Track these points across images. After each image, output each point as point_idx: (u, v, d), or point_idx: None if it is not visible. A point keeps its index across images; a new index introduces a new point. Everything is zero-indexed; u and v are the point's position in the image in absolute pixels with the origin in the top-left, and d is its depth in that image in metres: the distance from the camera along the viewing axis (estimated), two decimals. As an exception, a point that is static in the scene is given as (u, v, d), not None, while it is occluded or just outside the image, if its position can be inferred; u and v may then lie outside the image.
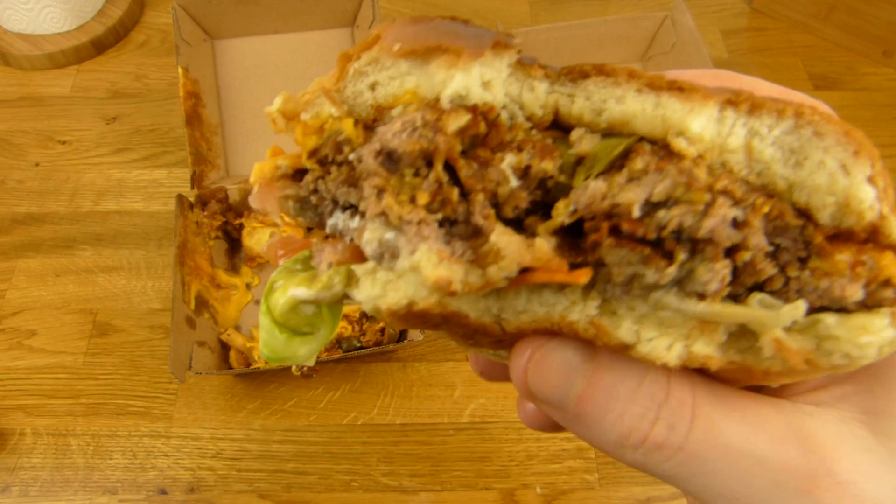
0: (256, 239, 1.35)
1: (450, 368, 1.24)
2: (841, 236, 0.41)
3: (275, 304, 0.48)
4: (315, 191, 0.47)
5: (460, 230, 0.43)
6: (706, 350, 0.40)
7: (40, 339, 1.29)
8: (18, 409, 1.22)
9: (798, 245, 0.41)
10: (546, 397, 0.43)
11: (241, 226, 1.36)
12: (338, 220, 0.47)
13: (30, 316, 1.32)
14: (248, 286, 1.35)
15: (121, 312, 1.32)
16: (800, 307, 0.38)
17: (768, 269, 0.40)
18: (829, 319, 0.39)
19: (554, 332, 0.43)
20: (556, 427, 0.53)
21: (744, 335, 0.41)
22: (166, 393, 1.23)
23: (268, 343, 0.49)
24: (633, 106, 0.45)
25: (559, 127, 0.48)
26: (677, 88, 0.44)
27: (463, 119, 0.44)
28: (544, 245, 0.41)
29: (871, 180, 0.40)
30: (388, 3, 1.83)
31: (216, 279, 1.31)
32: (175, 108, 1.53)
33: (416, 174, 0.43)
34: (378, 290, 0.45)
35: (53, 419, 1.21)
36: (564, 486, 1.13)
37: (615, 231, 0.41)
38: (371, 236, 0.44)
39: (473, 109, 0.45)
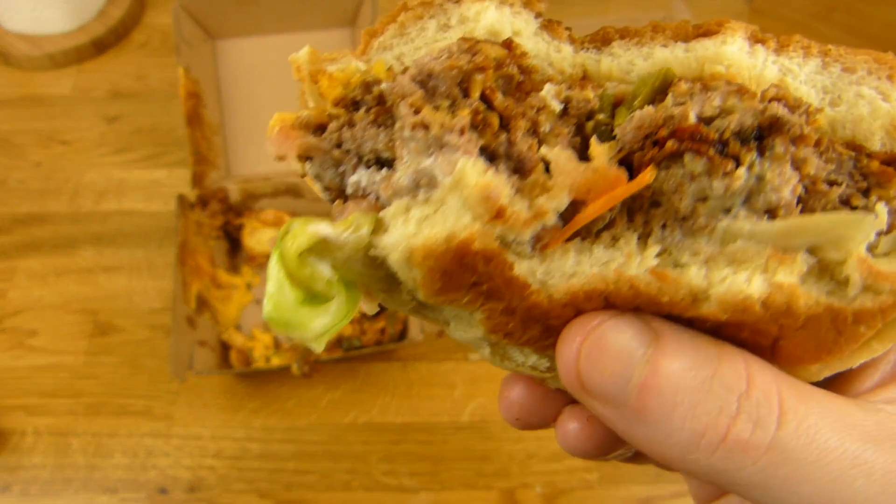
0: (257, 239, 1.35)
1: (450, 368, 1.24)
2: None
3: (289, 248, 0.40)
4: (338, 144, 0.42)
5: (501, 164, 0.39)
6: (790, 279, 0.35)
7: (41, 339, 1.30)
8: (19, 409, 1.22)
9: (855, 177, 0.38)
10: (602, 389, 0.36)
11: (242, 226, 1.37)
12: (361, 176, 0.42)
13: (31, 316, 1.32)
14: (248, 286, 1.35)
15: (121, 312, 1.32)
16: (881, 213, 0.35)
17: (832, 193, 0.36)
18: None
19: (609, 305, 0.38)
20: (602, 450, 0.46)
21: (823, 276, 0.37)
22: (167, 392, 1.23)
23: (274, 299, 0.41)
24: (662, 56, 0.43)
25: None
26: (705, 32, 0.43)
27: (498, 50, 0.41)
28: (602, 153, 0.37)
29: None
30: (388, 3, 1.83)
31: (217, 279, 1.32)
32: (176, 108, 1.53)
33: (453, 106, 0.39)
34: (412, 228, 0.38)
35: (54, 419, 1.21)
36: (564, 486, 1.13)
37: (674, 138, 0.37)
38: (404, 170, 0.39)
39: (508, 44, 0.42)
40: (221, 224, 1.36)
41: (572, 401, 0.45)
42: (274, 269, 0.41)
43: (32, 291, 1.35)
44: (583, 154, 0.39)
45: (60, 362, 1.27)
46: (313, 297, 0.42)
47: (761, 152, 0.36)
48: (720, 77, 0.40)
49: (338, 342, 1.24)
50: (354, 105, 0.43)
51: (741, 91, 0.37)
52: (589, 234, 0.39)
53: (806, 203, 0.36)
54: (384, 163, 0.41)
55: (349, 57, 0.44)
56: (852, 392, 0.39)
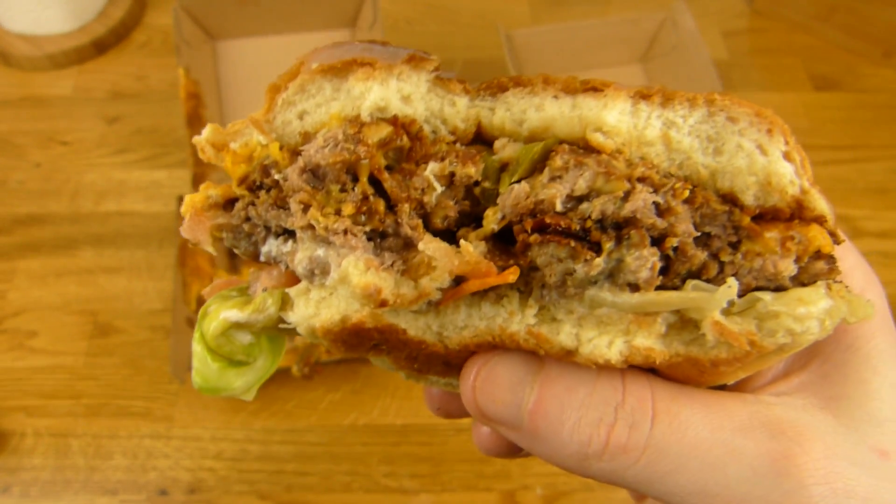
0: (257, 240, 1.35)
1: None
2: (767, 216, 0.42)
3: (207, 330, 0.47)
4: (247, 218, 0.47)
5: (390, 243, 0.44)
6: (647, 342, 0.40)
7: (41, 340, 1.29)
8: (19, 410, 1.22)
9: (727, 230, 0.41)
10: (498, 416, 0.41)
11: (242, 227, 1.37)
12: (271, 246, 0.47)
13: (31, 317, 1.32)
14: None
15: (122, 313, 1.32)
16: (732, 285, 0.39)
17: (699, 255, 0.40)
18: (766, 297, 0.40)
19: (497, 346, 0.44)
20: (513, 451, 0.51)
21: (685, 327, 0.41)
22: (167, 394, 1.23)
23: (200, 371, 0.47)
24: (551, 111, 0.46)
25: (482, 140, 0.49)
26: (591, 89, 0.45)
27: (384, 130, 0.45)
28: (470, 248, 0.42)
29: (787, 156, 0.42)
30: (388, 3, 1.83)
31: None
32: (176, 108, 1.53)
33: (343, 189, 0.44)
34: (311, 310, 0.44)
35: (54, 420, 1.21)
36: (564, 488, 1.13)
37: (541, 228, 0.42)
38: (302, 255, 0.45)
39: (394, 121, 0.46)
40: (221, 225, 1.36)
41: None
42: (197, 346, 0.48)
43: (32, 292, 1.35)
44: (473, 217, 0.45)
45: (60, 363, 1.27)
46: (235, 363, 0.48)
47: (619, 240, 0.41)
48: (598, 146, 0.44)
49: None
50: (257, 185, 0.48)
51: (609, 173, 0.41)
52: (477, 292, 0.44)
53: (673, 265, 0.41)
54: (290, 233, 0.47)
55: (250, 128, 0.48)
56: (749, 388, 0.44)
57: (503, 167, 0.45)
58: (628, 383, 0.40)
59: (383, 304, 0.42)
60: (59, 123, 1.60)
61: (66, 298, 1.34)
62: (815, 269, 0.41)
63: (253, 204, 0.47)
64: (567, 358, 0.42)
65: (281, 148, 0.47)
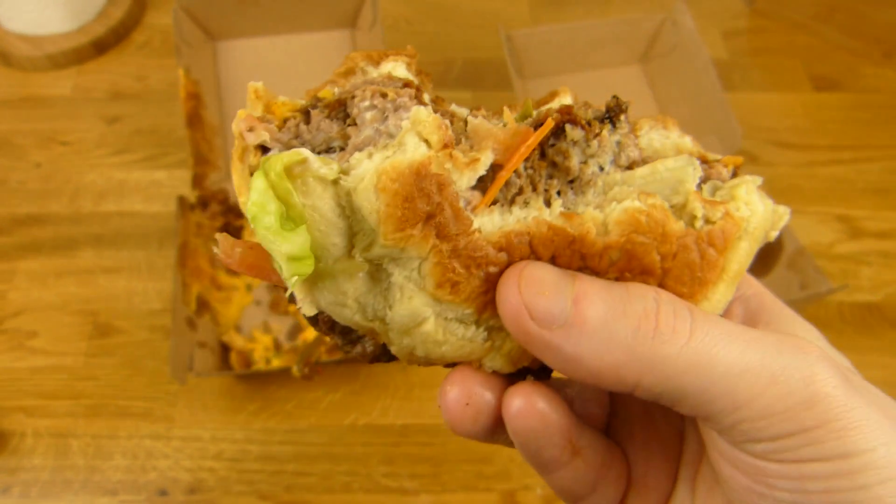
0: (257, 240, 1.35)
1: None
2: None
3: (274, 162, 0.44)
4: (296, 136, 0.47)
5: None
6: (657, 201, 0.45)
7: (41, 340, 1.29)
8: (19, 411, 1.22)
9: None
10: (547, 310, 0.41)
11: (242, 227, 1.37)
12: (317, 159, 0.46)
13: (30, 317, 1.32)
14: (248, 288, 1.35)
15: (121, 313, 1.32)
16: (696, 164, 0.46)
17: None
18: (720, 181, 0.49)
19: (533, 250, 0.45)
20: (490, 429, 0.49)
21: (676, 211, 0.47)
22: (167, 394, 1.23)
23: (258, 203, 0.44)
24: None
25: None
26: (541, 103, 0.54)
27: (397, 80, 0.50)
28: (511, 116, 0.48)
29: (682, 135, 0.53)
30: (388, 3, 1.83)
31: (217, 280, 1.32)
32: (176, 109, 1.53)
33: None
34: (377, 161, 0.44)
35: (54, 420, 1.21)
36: (565, 488, 1.13)
37: (558, 114, 0.47)
38: (363, 131, 0.46)
39: (408, 84, 0.50)
40: (222, 225, 1.36)
41: (510, 384, 0.48)
42: (258, 181, 0.44)
43: (32, 293, 1.35)
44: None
45: (60, 364, 1.27)
46: (287, 217, 0.45)
47: (613, 126, 0.48)
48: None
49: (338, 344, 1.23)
50: (307, 112, 0.49)
51: (587, 105, 0.51)
52: (506, 201, 0.47)
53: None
54: (338, 149, 0.48)
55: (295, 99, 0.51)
56: None
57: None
58: (659, 290, 0.42)
59: (448, 144, 0.44)
60: (58, 124, 1.59)
61: (65, 298, 1.34)
62: (739, 177, 0.49)
63: (305, 122, 0.48)
64: (600, 242, 0.45)
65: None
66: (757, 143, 1.61)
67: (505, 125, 0.47)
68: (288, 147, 0.47)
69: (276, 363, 1.24)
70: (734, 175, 0.50)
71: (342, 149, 0.47)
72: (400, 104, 0.46)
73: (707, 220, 0.45)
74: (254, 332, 1.29)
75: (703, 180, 0.48)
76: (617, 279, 0.45)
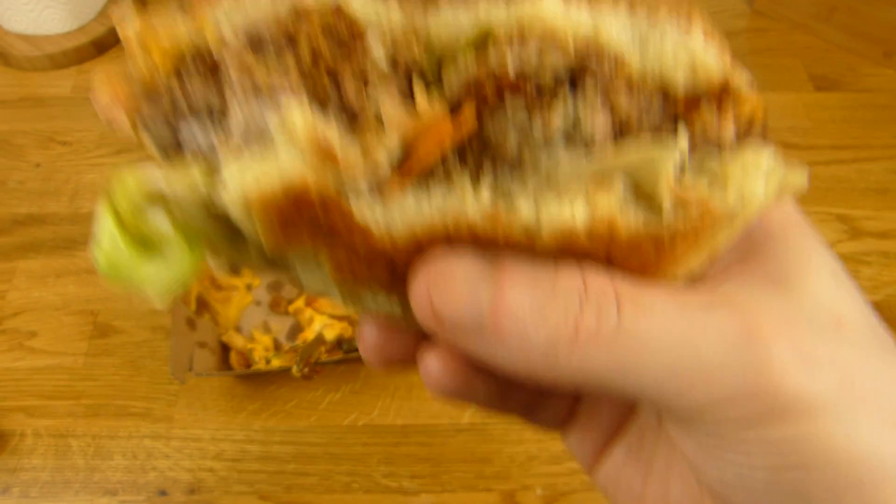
0: (257, 240, 1.35)
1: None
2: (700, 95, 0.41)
3: (120, 194, 0.39)
4: (171, 100, 0.40)
5: (333, 110, 0.38)
6: (609, 204, 0.37)
7: (41, 340, 1.29)
8: (19, 411, 1.22)
9: (667, 112, 0.40)
10: (457, 316, 0.37)
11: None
12: (195, 129, 0.40)
13: (30, 317, 1.32)
14: (248, 287, 1.35)
15: (121, 313, 1.32)
16: (682, 135, 0.38)
17: (643, 127, 0.38)
18: (713, 160, 0.39)
19: (451, 241, 0.39)
20: (467, 387, 0.47)
21: (641, 197, 0.39)
22: (167, 394, 1.23)
23: (106, 251, 0.38)
24: (486, 17, 0.41)
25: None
26: None
27: (326, 13, 0.40)
28: (425, 101, 0.38)
29: (707, 36, 0.41)
30: (388, 3, 1.82)
31: (216, 280, 1.32)
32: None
33: (281, 59, 0.39)
34: (247, 175, 0.37)
35: (54, 420, 1.21)
36: (565, 488, 1.13)
37: (495, 88, 0.38)
38: (236, 116, 0.39)
39: (336, 10, 0.40)
40: (221, 225, 1.36)
41: (427, 337, 0.45)
42: (104, 220, 0.38)
43: (32, 293, 1.35)
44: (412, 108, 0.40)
45: (60, 364, 1.27)
46: (148, 248, 0.39)
47: (574, 94, 0.38)
48: (538, 28, 0.40)
49: (338, 344, 1.24)
50: (185, 68, 0.41)
51: (555, 41, 0.39)
52: (425, 178, 0.39)
53: (620, 136, 0.39)
54: (218, 118, 0.40)
55: (179, 23, 0.42)
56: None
57: (442, 61, 0.42)
58: (588, 274, 0.37)
59: (330, 155, 0.36)
60: (58, 123, 1.59)
61: (65, 298, 1.34)
62: (752, 136, 0.40)
63: (180, 82, 0.41)
64: (528, 243, 0.38)
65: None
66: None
67: (416, 109, 0.38)
68: (162, 112, 0.40)
69: (276, 363, 1.24)
70: (742, 133, 0.41)
71: (222, 119, 0.40)
72: (272, 88, 0.38)
73: (679, 213, 0.38)
74: (253, 332, 1.29)
75: (692, 147, 0.40)
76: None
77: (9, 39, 1.67)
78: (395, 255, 0.40)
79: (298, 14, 0.40)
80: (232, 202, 0.37)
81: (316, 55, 0.39)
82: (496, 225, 0.37)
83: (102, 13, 1.72)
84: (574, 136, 0.38)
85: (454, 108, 0.39)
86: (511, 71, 0.39)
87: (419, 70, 0.41)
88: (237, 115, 0.39)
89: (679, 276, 0.40)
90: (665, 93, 0.41)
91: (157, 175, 0.38)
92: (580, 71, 0.39)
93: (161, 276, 0.39)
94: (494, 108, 0.39)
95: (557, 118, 0.38)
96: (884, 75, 1.71)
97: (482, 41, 0.41)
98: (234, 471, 1.16)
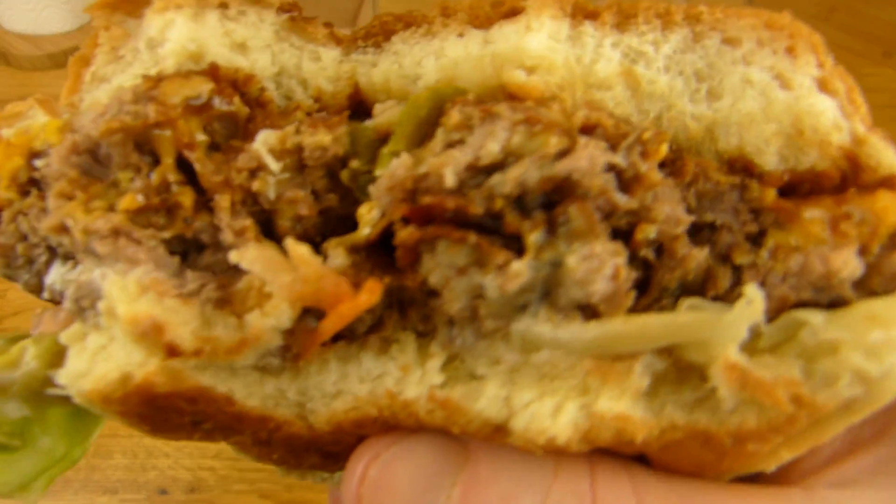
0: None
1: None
2: (804, 186, 0.28)
3: None
4: (23, 236, 0.33)
5: (207, 259, 0.29)
6: (619, 405, 0.24)
7: (41, 340, 1.29)
8: (19, 409, 1.22)
9: (741, 215, 0.26)
10: None
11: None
12: (56, 274, 0.33)
13: (30, 316, 1.32)
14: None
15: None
16: (756, 299, 0.24)
17: (695, 255, 0.25)
18: (815, 318, 0.24)
19: (392, 426, 0.28)
20: None
21: (684, 379, 0.26)
22: (167, 393, 1.23)
23: None
24: (454, 53, 0.30)
25: (363, 107, 0.33)
26: (506, 13, 0.30)
27: (198, 87, 0.29)
28: (303, 252, 0.27)
29: (822, 85, 0.28)
30: (388, 3, 1.82)
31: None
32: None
33: (136, 178, 0.29)
34: (85, 364, 0.29)
35: (54, 419, 1.20)
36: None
37: (424, 217, 0.26)
38: (65, 276, 0.31)
39: (213, 71, 0.31)
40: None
41: None
42: None
43: (32, 292, 1.35)
44: (348, 220, 0.30)
45: (60, 363, 1.27)
46: (4, 447, 0.33)
47: (552, 225, 0.25)
48: (519, 90, 0.28)
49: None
50: (29, 184, 0.34)
51: (531, 121, 0.25)
52: (355, 336, 0.29)
53: (656, 273, 0.25)
54: (44, 268, 0.34)
55: (35, 109, 0.33)
56: (797, 473, 0.30)
57: (383, 140, 0.30)
58: (600, 485, 0.25)
59: (172, 350, 0.27)
60: (59, 123, 1.59)
61: (66, 298, 1.34)
62: (893, 266, 0.25)
63: (23, 213, 0.32)
64: (498, 438, 0.26)
65: (62, 128, 0.34)
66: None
67: (289, 255, 0.27)
68: (13, 256, 0.33)
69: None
70: (876, 264, 0.25)
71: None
72: (102, 249, 0.28)
73: (748, 403, 0.24)
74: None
75: (782, 276, 0.25)
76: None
77: (9, 39, 1.67)
78: (321, 442, 0.31)
79: (149, 97, 0.29)
80: (74, 395, 0.30)
81: (187, 163, 0.29)
82: (450, 415, 0.27)
83: (103, 13, 1.72)
84: (558, 293, 0.25)
85: (383, 266, 0.29)
86: (451, 183, 0.26)
87: (346, 163, 0.30)
88: (78, 270, 0.31)
89: (763, 466, 0.27)
90: (746, 175, 0.27)
91: None
92: (565, 194, 0.25)
93: (21, 469, 0.33)
94: (428, 240, 0.27)
95: (520, 276, 0.25)
96: (883, 75, 1.71)
97: (432, 115, 0.29)
98: (235, 469, 1.16)
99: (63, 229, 0.29)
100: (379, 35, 0.34)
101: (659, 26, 0.28)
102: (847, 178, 0.27)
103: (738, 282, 0.26)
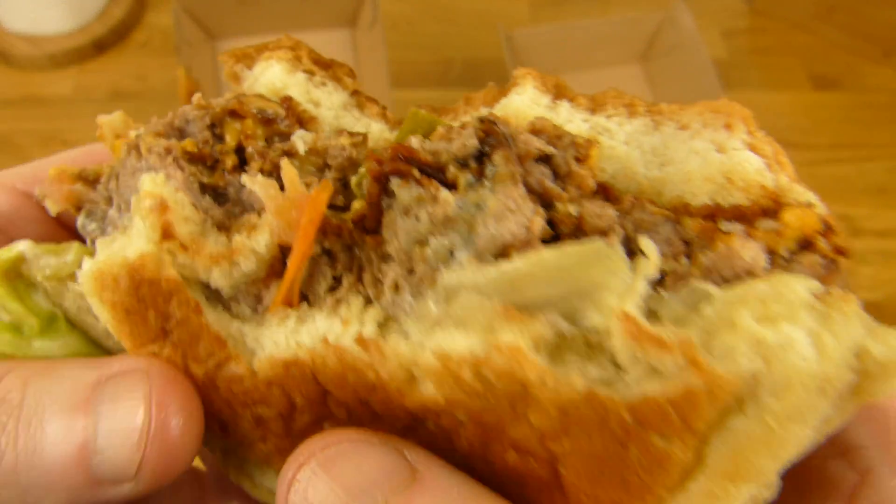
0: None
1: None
2: (726, 215, 0.31)
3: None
4: (108, 197, 0.40)
5: (227, 208, 0.35)
6: (517, 342, 0.25)
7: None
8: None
9: (674, 245, 0.29)
10: None
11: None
12: (115, 219, 0.38)
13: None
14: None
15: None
16: (650, 251, 0.26)
17: (608, 222, 0.28)
18: (714, 290, 0.25)
19: (323, 391, 0.31)
20: None
21: (594, 357, 0.26)
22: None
23: None
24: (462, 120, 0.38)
25: None
26: (505, 92, 0.38)
27: (269, 104, 0.38)
28: (293, 173, 0.32)
29: (752, 148, 0.32)
30: (388, 3, 1.83)
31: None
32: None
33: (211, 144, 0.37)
34: (106, 249, 0.34)
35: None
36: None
37: (379, 160, 0.31)
38: (120, 194, 0.37)
39: (286, 100, 0.39)
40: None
41: None
42: None
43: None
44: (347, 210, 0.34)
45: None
46: (18, 329, 0.37)
47: (481, 172, 0.28)
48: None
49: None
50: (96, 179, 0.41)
51: (488, 122, 0.30)
52: (316, 297, 0.33)
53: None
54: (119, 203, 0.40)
55: (156, 121, 0.41)
56: None
57: None
58: None
59: (168, 231, 0.32)
60: (59, 123, 1.60)
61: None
62: (806, 266, 0.27)
63: (115, 177, 0.39)
64: (411, 393, 0.28)
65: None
66: (757, 142, 1.61)
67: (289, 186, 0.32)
68: (94, 209, 0.39)
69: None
70: (803, 251, 0.27)
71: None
72: (151, 163, 0.35)
73: (647, 369, 0.24)
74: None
75: (703, 276, 0.27)
76: (491, 474, 0.28)
77: (10, 39, 1.67)
78: (256, 396, 0.33)
79: (236, 99, 0.38)
80: (85, 285, 0.34)
81: (242, 147, 0.36)
82: (372, 358, 0.29)
83: (102, 13, 1.72)
84: (478, 235, 0.27)
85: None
86: (415, 145, 0.31)
87: (356, 169, 0.35)
88: (113, 202, 0.38)
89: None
90: (677, 212, 0.31)
91: (27, 246, 0.37)
92: (490, 144, 0.29)
93: (45, 343, 0.37)
94: (391, 198, 0.31)
95: (447, 203, 0.28)
96: (883, 75, 1.71)
97: (426, 131, 0.35)
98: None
99: (135, 148, 0.36)
100: None
101: (625, 113, 0.35)
102: (768, 210, 0.30)
103: (661, 280, 0.28)
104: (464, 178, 0.29)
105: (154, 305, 0.33)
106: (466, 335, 0.26)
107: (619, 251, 0.26)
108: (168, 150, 0.35)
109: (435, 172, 0.30)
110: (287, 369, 0.31)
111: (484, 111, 0.37)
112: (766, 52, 1.76)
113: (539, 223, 0.27)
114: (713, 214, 0.31)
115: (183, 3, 1.44)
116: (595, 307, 0.26)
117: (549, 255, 0.25)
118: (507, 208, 0.27)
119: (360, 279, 0.32)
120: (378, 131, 0.40)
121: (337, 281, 0.33)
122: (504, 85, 0.38)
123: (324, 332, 0.31)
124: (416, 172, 0.29)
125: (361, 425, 0.30)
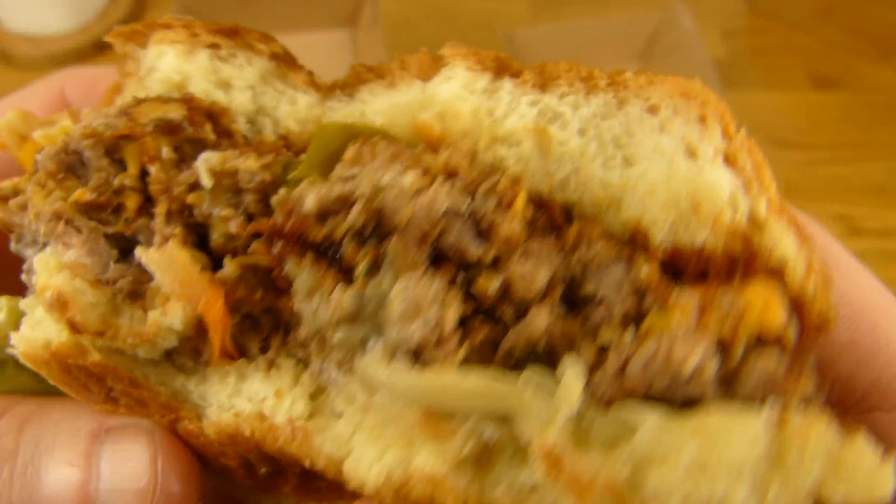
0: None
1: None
2: (692, 266, 0.26)
3: None
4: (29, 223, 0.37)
5: (133, 255, 0.32)
6: (433, 467, 0.23)
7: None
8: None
9: (624, 291, 0.25)
10: None
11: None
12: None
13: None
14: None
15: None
16: (572, 374, 0.22)
17: (538, 322, 0.24)
18: (648, 420, 0.21)
19: (273, 459, 0.31)
20: None
21: (526, 462, 0.23)
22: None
23: None
24: (396, 100, 0.33)
25: None
26: (439, 65, 0.33)
27: (171, 110, 0.33)
28: (177, 251, 0.29)
29: (728, 159, 0.27)
30: (388, 2, 1.83)
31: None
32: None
33: (107, 179, 0.33)
34: (28, 329, 0.33)
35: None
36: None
37: (269, 238, 0.29)
38: (29, 252, 0.35)
39: (187, 100, 0.35)
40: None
41: None
42: None
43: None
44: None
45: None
46: None
47: (378, 261, 0.25)
48: (421, 131, 0.30)
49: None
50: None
51: (395, 158, 0.27)
52: (251, 353, 0.32)
53: (507, 334, 0.25)
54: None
55: (63, 115, 0.39)
56: None
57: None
58: None
59: (74, 326, 0.30)
60: (59, 123, 1.60)
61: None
62: (758, 371, 0.23)
63: (26, 208, 0.36)
64: (344, 481, 0.27)
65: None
66: (756, 142, 1.61)
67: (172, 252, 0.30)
68: (22, 233, 0.36)
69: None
70: (758, 349, 0.24)
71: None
72: (44, 232, 0.33)
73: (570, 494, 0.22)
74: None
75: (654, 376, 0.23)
76: None
77: (10, 39, 1.67)
78: (214, 450, 0.32)
79: (126, 114, 0.34)
80: (19, 353, 0.33)
81: (146, 173, 0.33)
82: (303, 448, 0.28)
83: (103, 13, 1.72)
84: (390, 331, 0.24)
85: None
86: (309, 208, 0.27)
87: (276, 189, 0.32)
88: (36, 232, 0.35)
89: None
90: (633, 249, 0.27)
91: None
92: (401, 230, 0.25)
93: None
94: (279, 256, 0.29)
95: (342, 305, 0.25)
96: (883, 75, 1.71)
97: (335, 153, 0.31)
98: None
99: (24, 208, 0.33)
100: (354, 84, 0.36)
101: (582, 89, 0.29)
102: (736, 262, 0.25)
103: (601, 358, 0.24)
104: (363, 261, 0.26)
105: (91, 380, 0.32)
106: (383, 451, 0.25)
107: (529, 394, 0.23)
108: (58, 216, 0.31)
109: (331, 251, 0.27)
110: (233, 438, 0.31)
111: (416, 85, 0.32)
112: (766, 53, 1.76)
113: (452, 318, 0.24)
114: (672, 259, 0.26)
115: (183, 3, 1.44)
116: (525, 425, 0.23)
117: (471, 381, 0.23)
118: (413, 303, 0.24)
119: (286, 340, 0.31)
120: (306, 106, 0.36)
121: (266, 341, 0.32)
122: (443, 54, 0.34)
123: (262, 396, 0.30)
124: (309, 257, 0.27)
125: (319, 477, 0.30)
